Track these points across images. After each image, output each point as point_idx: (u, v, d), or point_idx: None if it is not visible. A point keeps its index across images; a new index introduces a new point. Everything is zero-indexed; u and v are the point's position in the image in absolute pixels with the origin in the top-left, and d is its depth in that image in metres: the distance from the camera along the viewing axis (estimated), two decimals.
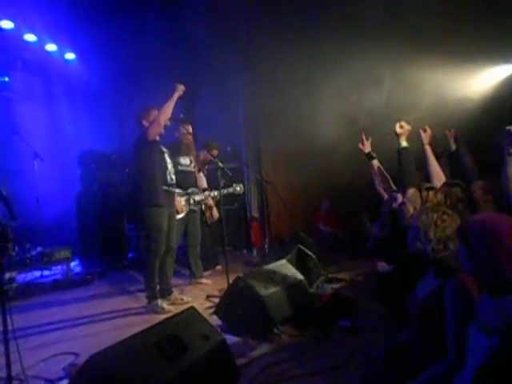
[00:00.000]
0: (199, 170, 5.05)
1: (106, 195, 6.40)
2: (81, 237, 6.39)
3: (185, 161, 4.80)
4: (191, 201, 4.77)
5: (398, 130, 2.92)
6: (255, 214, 7.40)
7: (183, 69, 5.97)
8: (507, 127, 2.29)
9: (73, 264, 5.77)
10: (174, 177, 4.18)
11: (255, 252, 6.77)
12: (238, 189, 5.07)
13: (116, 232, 6.35)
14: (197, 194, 4.87)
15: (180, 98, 3.91)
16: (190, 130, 4.79)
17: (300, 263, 3.99)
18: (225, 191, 5.00)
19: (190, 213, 4.77)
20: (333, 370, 2.44)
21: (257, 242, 7.09)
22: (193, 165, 4.90)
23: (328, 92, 6.23)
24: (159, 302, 3.84)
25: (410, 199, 2.39)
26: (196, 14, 5.68)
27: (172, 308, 3.83)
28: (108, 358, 1.55)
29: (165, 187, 4.00)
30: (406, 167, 2.87)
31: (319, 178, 7.14)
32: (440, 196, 2.22)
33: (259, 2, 5.49)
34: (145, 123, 3.96)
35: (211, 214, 5.18)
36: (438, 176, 2.78)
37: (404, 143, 2.90)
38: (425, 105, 6.38)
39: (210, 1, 5.73)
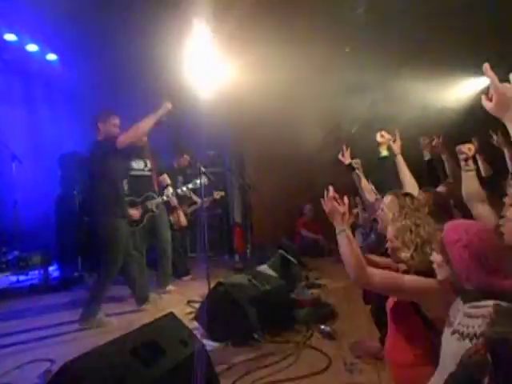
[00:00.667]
0: (160, 173, 4.82)
1: (86, 198, 6.30)
2: (60, 241, 6.26)
3: (137, 164, 4.49)
4: (149, 206, 4.47)
5: (379, 139, 2.98)
6: (238, 219, 7.39)
7: (167, 71, 5.92)
8: (457, 146, 2.39)
9: (51, 269, 5.65)
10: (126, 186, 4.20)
11: (237, 257, 6.75)
12: (198, 182, 4.68)
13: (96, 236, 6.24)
14: (152, 198, 4.53)
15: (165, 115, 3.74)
16: None
17: (281, 269, 4.00)
18: (184, 188, 4.85)
19: (151, 218, 4.50)
20: (313, 376, 2.45)
21: (239, 248, 7.07)
22: (148, 168, 4.58)
23: (313, 98, 6.31)
24: (100, 315, 3.67)
25: (388, 206, 2.43)
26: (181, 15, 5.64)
27: (114, 321, 3.70)
28: (83, 364, 1.52)
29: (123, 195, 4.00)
30: (386, 175, 2.92)
31: (302, 183, 7.20)
32: (416, 202, 2.27)
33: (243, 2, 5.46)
34: (100, 126, 3.78)
35: (178, 220, 5.00)
36: (411, 185, 2.84)
37: (385, 152, 2.96)
38: (409, 114, 6.55)
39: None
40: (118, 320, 3.74)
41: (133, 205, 4.32)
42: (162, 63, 4.89)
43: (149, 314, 3.80)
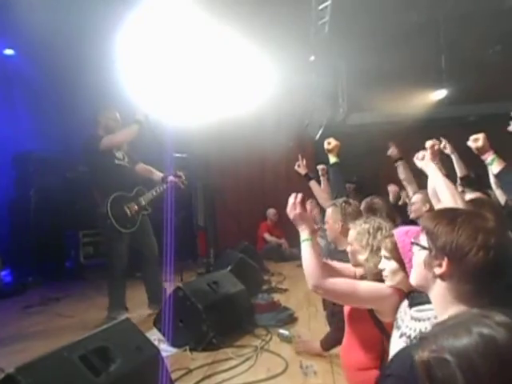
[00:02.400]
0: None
1: (43, 201, 6.06)
2: (13, 245, 5.98)
3: (118, 154, 3.97)
4: (142, 202, 3.94)
5: (326, 146, 2.96)
6: (202, 223, 7.34)
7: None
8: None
9: (3, 273, 5.40)
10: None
11: (200, 262, 6.70)
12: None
13: (53, 240, 6.02)
14: (143, 193, 4.01)
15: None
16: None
17: (242, 273, 3.99)
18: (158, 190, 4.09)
19: (142, 218, 3.95)
20: (269, 379, 2.46)
21: (202, 252, 7.02)
22: (126, 160, 4.03)
23: (279, 102, 6.39)
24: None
25: (331, 217, 2.48)
26: None
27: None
28: (27, 373, 1.46)
29: None
30: (335, 182, 2.96)
31: (267, 187, 7.25)
32: (356, 207, 2.34)
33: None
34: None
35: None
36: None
37: (333, 159, 2.96)
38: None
39: None
40: (76, 326, 3.61)
41: (126, 201, 3.83)
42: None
43: None
